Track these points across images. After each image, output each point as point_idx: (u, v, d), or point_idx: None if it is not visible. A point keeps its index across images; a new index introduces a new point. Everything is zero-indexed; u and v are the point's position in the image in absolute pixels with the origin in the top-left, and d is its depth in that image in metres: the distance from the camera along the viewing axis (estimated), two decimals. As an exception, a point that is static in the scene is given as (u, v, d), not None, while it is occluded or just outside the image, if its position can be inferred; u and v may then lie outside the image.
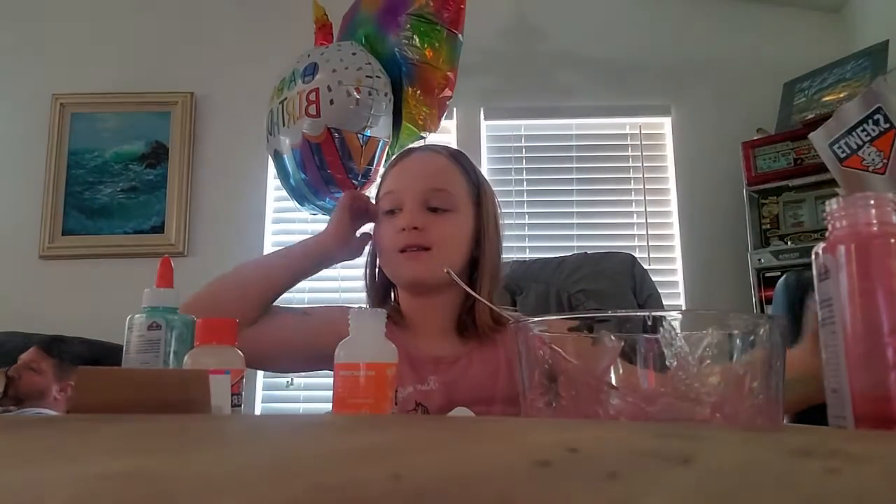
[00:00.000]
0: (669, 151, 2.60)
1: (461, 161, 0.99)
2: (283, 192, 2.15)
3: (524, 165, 2.63)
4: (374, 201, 1.02)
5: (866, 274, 0.42)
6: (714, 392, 0.43)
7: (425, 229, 0.90)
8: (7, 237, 2.54)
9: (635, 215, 2.58)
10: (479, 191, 0.98)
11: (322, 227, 1.00)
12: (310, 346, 0.90)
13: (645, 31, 2.66)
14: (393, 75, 1.92)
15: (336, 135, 1.87)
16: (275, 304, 0.94)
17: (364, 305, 1.01)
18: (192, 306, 0.82)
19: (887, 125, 1.92)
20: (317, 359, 0.90)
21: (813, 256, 0.46)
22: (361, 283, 1.02)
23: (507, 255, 1.05)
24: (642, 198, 2.58)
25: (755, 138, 2.33)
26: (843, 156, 2.00)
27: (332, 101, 1.82)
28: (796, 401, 0.70)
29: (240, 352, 0.65)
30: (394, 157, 1.05)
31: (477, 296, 0.83)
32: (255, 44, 2.61)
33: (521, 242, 2.53)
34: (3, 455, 0.27)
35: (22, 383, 1.79)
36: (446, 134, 2.56)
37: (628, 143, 2.64)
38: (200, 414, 0.48)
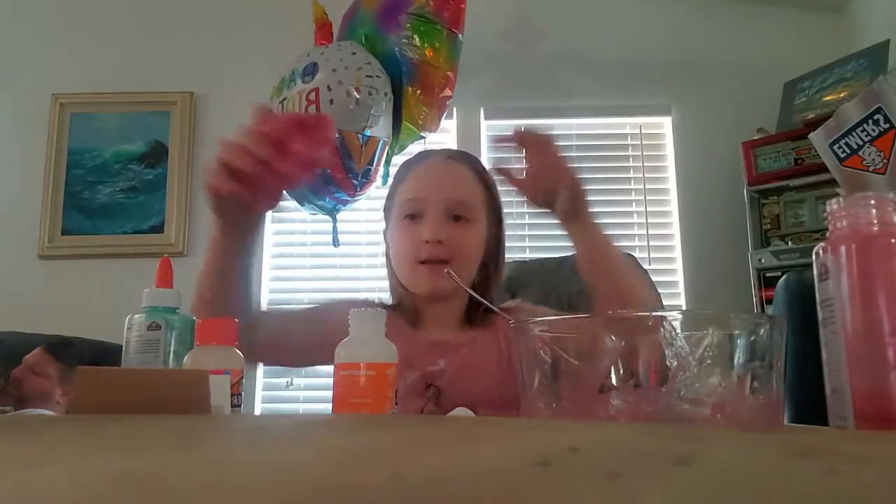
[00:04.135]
0: (669, 151, 2.60)
1: (478, 169, 1.02)
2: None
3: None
4: (386, 202, 1.04)
5: (867, 274, 0.42)
6: (714, 392, 0.43)
7: (446, 241, 0.92)
8: (7, 237, 2.54)
9: (635, 215, 2.57)
10: (493, 199, 1.02)
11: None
12: (312, 339, 0.91)
13: (645, 31, 2.66)
14: (393, 75, 1.93)
15: (336, 135, 1.87)
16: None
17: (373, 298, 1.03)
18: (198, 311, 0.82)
19: (887, 125, 1.92)
20: (316, 352, 0.90)
21: (813, 256, 0.46)
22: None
23: (507, 256, 1.07)
24: (642, 198, 2.58)
25: (756, 138, 2.32)
26: (843, 156, 2.00)
27: (331, 101, 1.83)
28: None
29: (239, 352, 0.65)
30: (411, 158, 1.06)
31: (480, 298, 0.87)
32: (255, 43, 2.61)
33: (521, 242, 2.53)
34: (4, 455, 0.27)
35: (26, 385, 1.80)
36: (446, 134, 2.56)
37: (628, 142, 2.64)
38: (200, 414, 0.48)
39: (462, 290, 0.94)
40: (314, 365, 0.98)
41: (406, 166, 1.04)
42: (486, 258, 0.99)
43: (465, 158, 1.03)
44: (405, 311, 0.98)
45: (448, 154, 1.05)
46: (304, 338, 0.94)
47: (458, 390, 0.88)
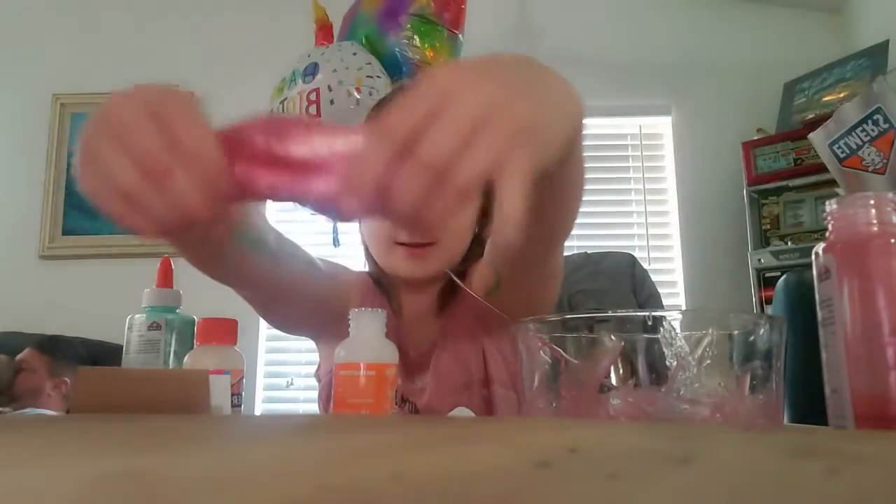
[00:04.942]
0: (669, 151, 2.60)
1: None
2: (283, 192, 2.15)
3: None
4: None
5: (866, 274, 0.42)
6: (714, 392, 0.43)
7: None
8: (7, 237, 2.54)
9: (635, 215, 2.58)
10: None
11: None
12: (316, 296, 0.81)
13: (645, 31, 2.66)
14: (393, 75, 1.92)
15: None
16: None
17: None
18: None
19: (887, 125, 1.92)
20: (314, 313, 0.81)
21: (813, 256, 0.46)
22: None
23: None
24: (642, 198, 2.58)
25: (755, 138, 2.33)
26: (842, 156, 2.00)
27: (332, 101, 1.83)
28: None
29: (240, 351, 0.65)
30: (388, 96, 0.85)
31: (482, 300, 0.79)
32: (256, 44, 2.61)
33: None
34: (3, 455, 0.27)
35: (15, 383, 1.81)
36: (446, 134, 2.55)
37: (628, 143, 2.64)
38: (200, 414, 0.48)
39: (444, 274, 0.81)
40: (287, 322, 0.85)
41: (381, 109, 0.80)
42: (479, 234, 0.83)
43: None
44: (382, 287, 0.86)
45: None
46: (322, 286, 0.82)
47: (436, 407, 0.78)
